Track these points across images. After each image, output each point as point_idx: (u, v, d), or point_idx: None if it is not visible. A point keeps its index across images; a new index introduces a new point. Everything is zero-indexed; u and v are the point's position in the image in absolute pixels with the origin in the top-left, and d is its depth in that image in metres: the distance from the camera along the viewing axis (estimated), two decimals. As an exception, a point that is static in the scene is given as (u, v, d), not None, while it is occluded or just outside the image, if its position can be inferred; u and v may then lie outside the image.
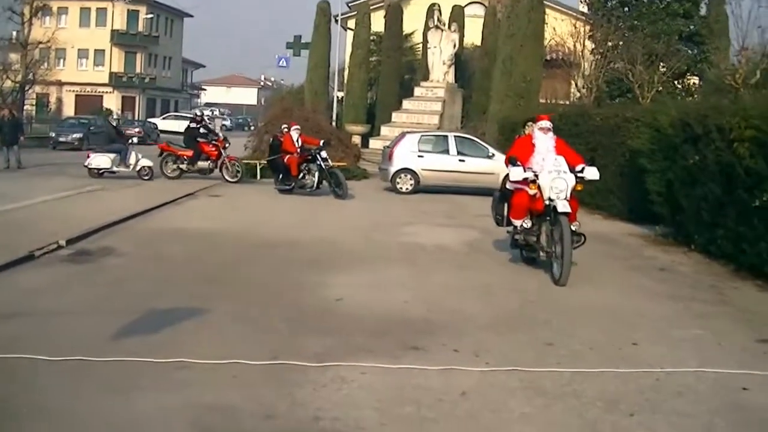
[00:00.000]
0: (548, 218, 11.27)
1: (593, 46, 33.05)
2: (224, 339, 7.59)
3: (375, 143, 36.39)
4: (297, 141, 22.61)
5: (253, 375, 6.58)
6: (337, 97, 46.16)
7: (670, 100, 20.58)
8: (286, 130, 23.32)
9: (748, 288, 11.22)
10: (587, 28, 33.88)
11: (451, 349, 7.52)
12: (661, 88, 26.14)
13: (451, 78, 39.08)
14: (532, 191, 11.29)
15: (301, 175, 22.39)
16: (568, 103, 33.20)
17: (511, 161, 11.68)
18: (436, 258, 12.90)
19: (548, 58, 34.73)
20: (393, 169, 24.27)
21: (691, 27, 33.12)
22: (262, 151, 27.09)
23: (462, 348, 7.58)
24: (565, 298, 10.00)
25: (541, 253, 11.54)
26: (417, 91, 39.12)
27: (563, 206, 10.87)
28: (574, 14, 39.36)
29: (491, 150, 25.10)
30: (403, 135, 25.88)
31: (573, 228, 10.93)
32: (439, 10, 39.92)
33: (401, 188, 24.16)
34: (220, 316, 8.50)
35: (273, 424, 5.60)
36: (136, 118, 71.71)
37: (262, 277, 10.69)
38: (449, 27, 39.31)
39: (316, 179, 22.16)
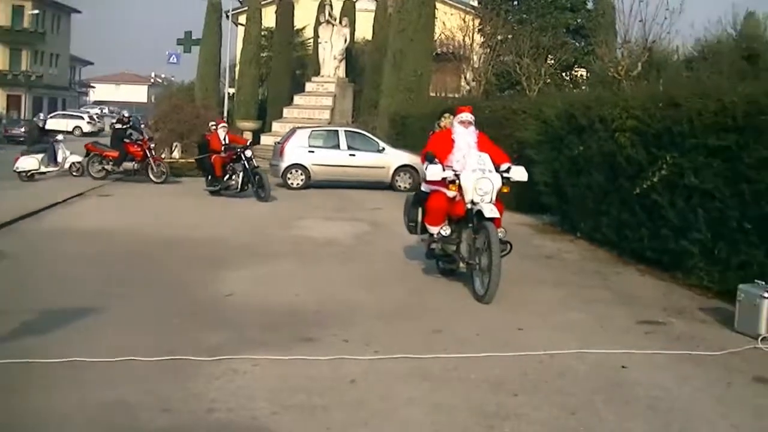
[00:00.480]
0: (470, 224, 9.91)
1: (482, 39, 33.48)
2: (119, 337, 7.57)
3: (266, 139, 36.23)
4: (224, 139, 21.68)
5: (149, 371, 6.61)
6: (228, 93, 45.85)
7: (556, 93, 21.11)
8: (213, 127, 22.72)
9: (630, 273, 11.62)
10: (476, 21, 34.30)
11: (341, 339, 7.67)
12: (549, 81, 26.67)
13: (342, 73, 39.12)
14: (451, 193, 9.94)
15: (227, 175, 21.26)
16: (457, 96, 33.59)
17: (427, 158, 10.23)
18: (326, 251, 12.98)
19: (438, 51, 35.02)
20: (284, 165, 24.24)
21: (579, 20, 33.88)
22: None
23: (352, 338, 7.73)
24: (452, 287, 10.20)
25: (461, 265, 10.12)
26: (308, 86, 39.07)
27: (490, 211, 9.51)
28: (464, 8, 39.89)
29: (381, 144, 25.35)
30: (293, 131, 25.88)
31: (500, 235, 9.52)
32: (330, 5, 39.86)
33: (292, 184, 24.15)
34: (114, 314, 8.47)
35: (169, 417, 5.65)
36: (22, 117, 69.87)
37: (155, 275, 10.63)
38: (340, 22, 39.30)
39: (240, 180, 20.97)
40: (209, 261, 11.56)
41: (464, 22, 33.11)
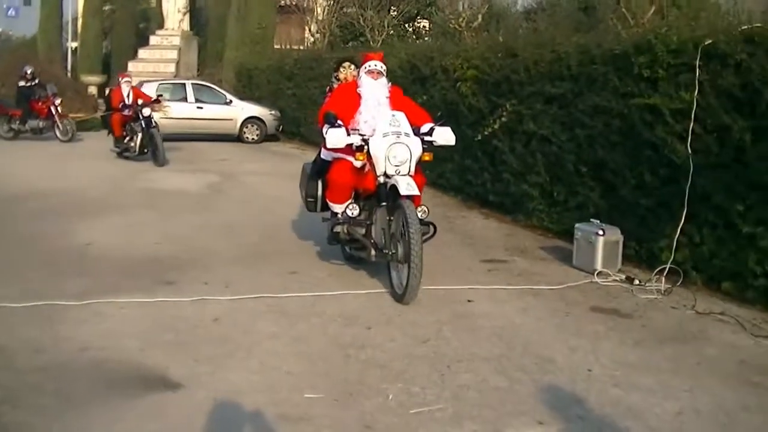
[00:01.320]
0: (384, 203, 7.83)
1: (326, -10, 33.57)
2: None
3: (112, 93, 35.53)
4: (127, 96, 19.07)
5: (17, 317, 6.69)
6: (71, 47, 44.47)
7: (398, 43, 21.44)
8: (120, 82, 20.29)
9: (474, 216, 12.15)
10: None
11: (202, 282, 7.90)
12: (392, 32, 27.00)
13: (186, 26, 38.51)
14: (358, 162, 7.91)
15: (128, 137, 18.94)
16: (302, 48, 33.66)
17: (326, 119, 7.88)
18: (180, 202, 13.04)
19: (282, 3, 34.94)
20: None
21: (422, -29, 34.30)
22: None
23: (212, 281, 7.98)
24: (303, 232, 10.46)
25: (373, 253, 7.97)
26: (152, 39, 38.27)
27: (406, 186, 7.43)
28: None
29: (229, 96, 25.34)
30: (140, 84, 25.53)
31: (420, 215, 7.52)
32: (174, -42, 39.16)
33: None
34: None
35: (44, 357, 5.79)
36: None
37: (13, 227, 10.53)
38: (183, -27, 38.72)
39: (138, 142, 18.57)
40: (65, 213, 11.49)
41: (313, -26, 33.08)
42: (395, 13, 29.74)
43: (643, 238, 8.87)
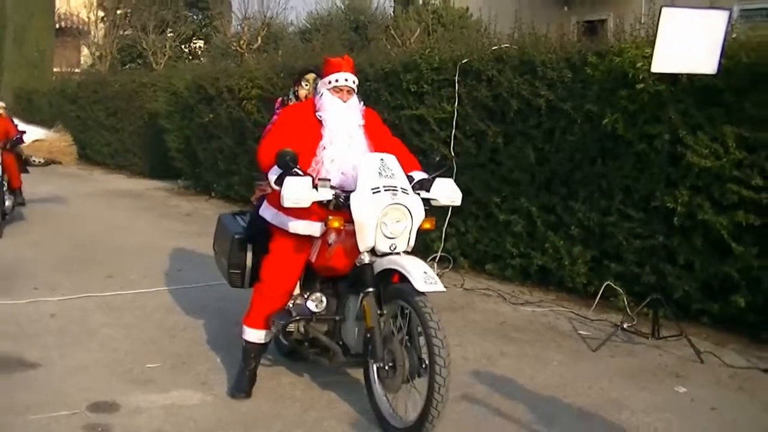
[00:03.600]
0: (367, 287, 5.05)
1: (103, 14, 33.70)
2: None
3: None
4: None
5: None
6: None
7: (184, 65, 22.23)
8: None
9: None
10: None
11: (31, 288, 8.60)
12: (169, 54, 27.60)
13: (-42, 48, 37.66)
14: (323, 229, 5.28)
15: None
16: (78, 70, 33.67)
17: (279, 161, 5.04)
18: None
19: (60, 26, 34.84)
20: None
21: (196, -7, 35.03)
22: None
23: (39, 285, 8.70)
24: (113, 242, 11.18)
25: (342, 359, 5.35)
26: None
27: (425, 278, 4.75)
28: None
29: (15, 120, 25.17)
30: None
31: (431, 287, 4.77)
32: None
33: None
34: None
35: None
36: None
37: None
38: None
39: None
40: None
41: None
42: (172, 34, 30.35)
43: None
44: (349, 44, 19.18)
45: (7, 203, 11.93)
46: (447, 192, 5.42)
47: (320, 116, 5.41)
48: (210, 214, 13.97)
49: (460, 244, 9.64)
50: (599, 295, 7.70)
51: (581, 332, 7.17)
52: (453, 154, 9.37)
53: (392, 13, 23.46)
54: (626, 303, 7.40)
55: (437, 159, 5.59)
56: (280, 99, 6.93)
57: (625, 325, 7.02)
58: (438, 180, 5.39)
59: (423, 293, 4.73)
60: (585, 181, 8.13)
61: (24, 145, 12.87)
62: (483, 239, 9.39)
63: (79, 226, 12.38)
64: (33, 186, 16.55)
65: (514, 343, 6.89)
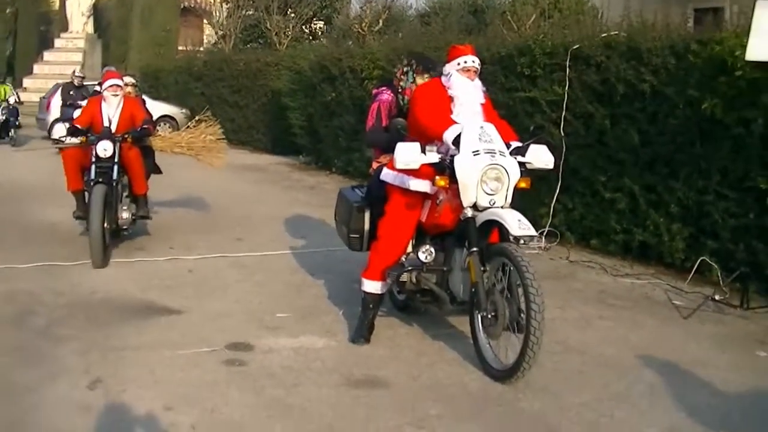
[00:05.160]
0: (469, 244, 5.81)
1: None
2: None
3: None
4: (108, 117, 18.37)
5: (31, 273, 8.19)
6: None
7: (306, 46, 23.12)
8: None
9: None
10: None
11: (167, 247, 9.51)
12: (290, 34, 28.57)
13: (90, 29, 39.57)
14: (433, 189, 6.02)
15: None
16: (202, 49, 35.01)
17: (392, 130, 6.44)
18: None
19: (184, 5, 36.24)
20: (51, 118, 24.88)
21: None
22: None
23: (176, 245, 9.60)
24: (243, 210, 12.07)
25: (451, 307, 6.15)
26: (57, 42, 39.28)
27: (519, 224, 5.47)
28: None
29: (143, 96, 26.46)
30: (57, 86, 26.47)
31: (528, 232, 5.49)
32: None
33: (60, 134, 24.83)
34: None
35: (65, 298, 7.37)
36: None
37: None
38: (87, -23, 39.69)
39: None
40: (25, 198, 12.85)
41: (212, -22, 34.40)
42: (293, 15, 31.34)
43: (527, 207, 10.69)
44: (467, 28, 19.78)
45: (125, 215, 9.23)
46: (540, 156, 5.94)
47: (452, 93, 6.05)
48: (331, 188, 14.80)
49: (566, 220, 10.19)
50: (694, 269, 8.19)
51: (675, 302, 7.68)
52: (563, 135, 9.91)
53: (510, -2, 23.94)
54: (720, 277, 7.88)
55: (532, 128, 6.21)
56: (376, 89, 7.38)
57: (716, 297, 7.56)
58: (532, 146, 5.95)
59: (520, 249, 5.50)
60: (685, 162, 8.60)
61: (159, 137, 10.69)
62: (588, 215, 9.92)
63: (208, 196, 13.29)
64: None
65: (612, 309, 7.47)
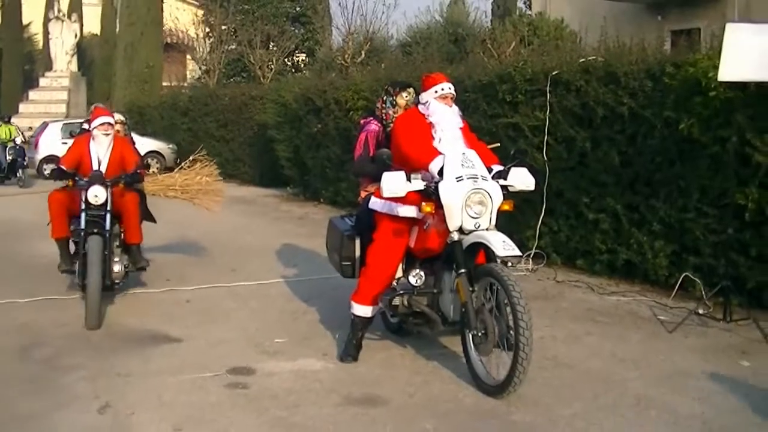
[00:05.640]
0: (456, 266, 6.07)
1: (208, 30, 35.25)
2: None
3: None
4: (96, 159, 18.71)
5: (32, 306, 8.45)
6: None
7: (289, 78, 23.41)
8: None
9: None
10: (201, 13, 36.02)
11: (164, 279, 9.71)
12: (273, 67, 28.86)
13: (74, 67, 39.75)
14: (420, 215, 6.25)
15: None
16: (186, 84, 35.34)
17: (377, 160, 6.71)
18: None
19: (168, 41, 36.55)
20: (39, 157, 25.13)
21: (297, 9, 36.39)
22: None
23: (172, 277, 9.82)
24: (234, 241, 12.29)
25: (442, 327, 6.36)
26: (42, 81, 39.46)
27: (504, 245, 5.76)
28: (192, 2, 41.50)
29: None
30: (45, 125, 26.79)
31: (512, 253, 5.77)
32: (59, 1, 40.40)
33: (47, 173, 25.09)
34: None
35: (69, 328, 7.62)
36: None
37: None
38: (69, 17, 39.91)
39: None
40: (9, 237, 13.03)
41: (196, 16, 34.64)
42: (275, 48, 31.68)
43: (514, 230, 10.93)
44: (448, 56, 20.10)
45: (117, 268, 8.36)
46: (522, 178, 6.26)
47: (432, 120, 6.38)
48: (319, 218, 15.03)
49: (552, 242, 10.42)
50: (678, 285, 8.44)
51: (660, 317, 7.92)
52: (546, 158, 10.16)
53: (489, 26, 24.29)
54: (703, 292, 8.11)
55: (513, 152, 6.61)
56: (364, 119, 7.89)
57: (700, 311, 7.80)
58: (513, 169, 6.26)
59: (506, 268, 5.83)
60: (665, 181, 8.86)
61: (151, 179, 10.15)
62: (574, 237, 10.16)
63: (199, 229, 13.45)
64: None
65: (599, 326, 7.70)
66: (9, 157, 22.96)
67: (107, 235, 8.07)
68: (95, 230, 7.99)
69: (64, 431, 5.27)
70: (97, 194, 7.99)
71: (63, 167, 8.42)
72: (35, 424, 5.38)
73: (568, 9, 21.77)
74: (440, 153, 6.13)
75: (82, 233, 7.98)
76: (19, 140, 23.60)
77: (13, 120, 36.11)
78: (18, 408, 5.65)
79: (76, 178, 8.22)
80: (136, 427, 5.30)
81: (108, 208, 8.08)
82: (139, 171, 8.64)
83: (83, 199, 8.03)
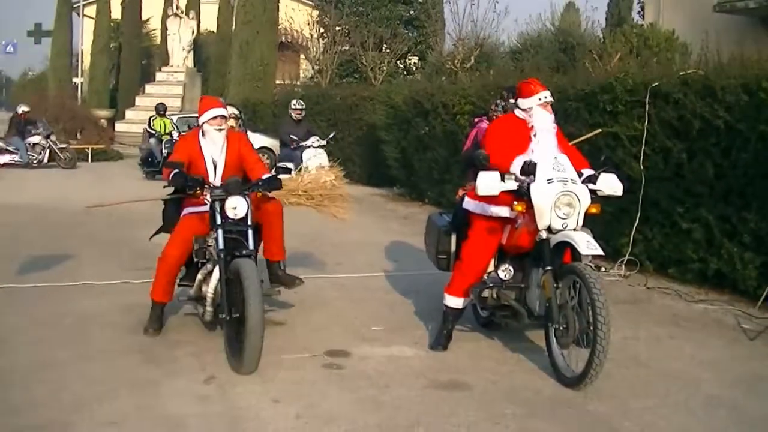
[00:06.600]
0: (544, 264, 6.45)
1: (322, 30, 36.06)
2: (98, 269, 9.99)
3: (120, 126, 38.03)
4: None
5: (143, 288, 8.99)
6: (77, 83, 46.98)
7: (400, 81, 23.95)
8: None
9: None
10: (316, 13, 36.84)
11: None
12: (385, 69, 29.45)
13: (190, 63, 41.11)
14: (508, 213, 6.70)
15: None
16: (298, 83, 36.18)
17: (475, 161, 6.78)
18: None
19: (282, 41, 37.45)
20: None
21: (411, 12, 36.99)
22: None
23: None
24: (340, 237, 12.79)
25: (527, 320, 6.80)
26: (159, 76, 41.00)
27: (587, 244, 6.21)
28: (308, 2, 42.40)
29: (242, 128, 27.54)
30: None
31: (594, 251, 6.20)
32: (177, -1, 41.86)
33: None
34: (82, 258, 10.87)
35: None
36: None
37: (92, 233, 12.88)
38: (187, 15, 41.27)
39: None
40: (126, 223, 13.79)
41: (311, 17, 35.43)
42: (388, 51, 32.29)
43: (609, 237, 11.24)
44: (557, 65, 20.35)
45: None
46: (610, 183, 6.71)
47: (534, 125, 6.80)
48: (423, 218, 15.00)
49: (646, 249, 10.67)
50: (765, 295, 8.66)
51: (744, 326, 8.17)
52: (642, 168, 10.44)
53: (601, 35, 24.40)
54: (789, 303, 8.34)
55: (602, 158, 7.13)
56: (477, 118, 8.75)
57: (783, 321, 8.02)
58: (603, 174, 6.72)
59: (589, 268, 6.16)
60: (757, 193, 9.07)
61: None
62: (667, 245, 10.40)
63: (307, 224, 14.02)
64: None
65: (682, 330, 8.00)
66: (164, 151, 22.14)
67: (254, 255, 6.80)
68: (241, 251, 6.68)
69: (175, 396, 5.90)
70: (236, 206, 6.72)
71: (184, 172, 7.04)
72: (152, 388, 6.04)
73: (680, 20, 21.77)
74: (516, 157, 6.61)
75: (221, 254, 6.68)
76: (175, 134, 23.25)
77: (128, 113, 37.78)
78: (137, 374, 6.33)
79: (206, 186, 6.94)
80: (237, 396, 5.89)
81: (249, 223, 6.84)
82: (278, 176, 7.31)
83: (217, 210, 6.77)
